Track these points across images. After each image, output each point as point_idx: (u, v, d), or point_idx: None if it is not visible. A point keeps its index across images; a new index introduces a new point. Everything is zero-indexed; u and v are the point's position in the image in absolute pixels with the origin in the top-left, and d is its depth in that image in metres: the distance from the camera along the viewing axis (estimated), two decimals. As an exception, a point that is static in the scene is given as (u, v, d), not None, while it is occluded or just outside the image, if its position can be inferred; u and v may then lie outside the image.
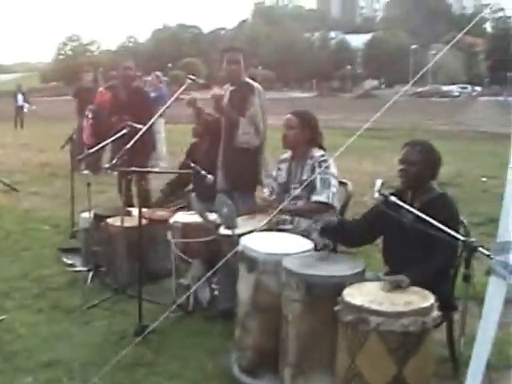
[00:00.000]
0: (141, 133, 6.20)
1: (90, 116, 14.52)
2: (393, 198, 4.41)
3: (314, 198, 5.57)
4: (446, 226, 4.00)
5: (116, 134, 7.07)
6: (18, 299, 6.49)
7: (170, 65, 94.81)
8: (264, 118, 6.48)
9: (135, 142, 6.02)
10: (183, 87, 6.13)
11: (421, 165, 4.70)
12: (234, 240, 5.07)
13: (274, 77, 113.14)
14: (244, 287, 4.76)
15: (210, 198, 5.83)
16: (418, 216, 4.22)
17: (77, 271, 7.30)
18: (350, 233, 5.12)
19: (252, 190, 6.32)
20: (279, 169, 6.05)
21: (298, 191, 5.54)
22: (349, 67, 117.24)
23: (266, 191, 6.10)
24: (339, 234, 5.19)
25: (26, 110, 30.28)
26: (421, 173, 4.71)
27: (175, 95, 6.14)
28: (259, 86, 6.58)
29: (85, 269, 7.17)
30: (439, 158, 4.83)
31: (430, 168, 4.75)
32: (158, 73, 16.42)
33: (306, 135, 5.83)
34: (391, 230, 4.77)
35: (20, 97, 30.64)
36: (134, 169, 6.01)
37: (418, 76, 5.40)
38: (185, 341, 5.46)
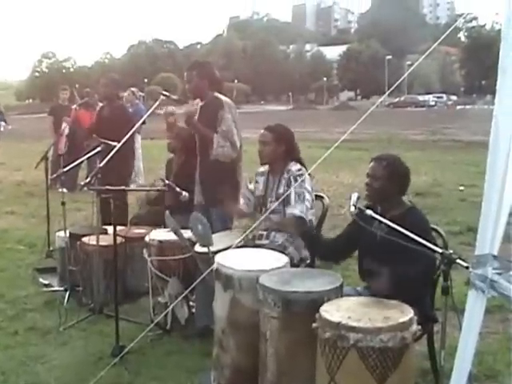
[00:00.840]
0: (115, 149, 6.13)
1: (65, 132, 14.49)
2: (369, 212, 4.37)
3: (289, 211, 5.54)
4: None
5: (90, 151, 7.00)
6: (-6, 321, 6.40)
7: (146, 80, 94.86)
8: (238, 133, 6.41)
9: (113, 159, 5.97)
10: (156, 103, 6.10)
11: (385, 180, 4.67)
12: (209, 257, 5.03)
13: (250, 90, 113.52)
14: (220, 305, 4.71)
15: (187, 215, 5.77)
16: (393, 229, 4.18)
17: (53, 291, 7.21)
18: (329, 246, 5.10)
19: (229, 204, 6.26)
20: (257, 181, 6.03)
21: (274, 205, 5.50)
22: (325, 79, 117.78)
23: (242, 202, 6.07)
24: (317, 247, 5.17)
25: (2, 128, 29.76)
26: (385, 188, 4.67)
27: (149, 112, 6.11)
28: (229, 101, 6.51)
29: (61, 289, 7.09)
30: (406, 174, 4.79)
31: (395, 183, 4.70)
32: (133, 89, 16.38)
33: (281, 149, 5.81)
34: (366, 244, 4.74)
35: None
36: (108, 187, 5.92)
37: (394, 86, 5.41)
38: (163, 360, 5.40)
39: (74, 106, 14.66)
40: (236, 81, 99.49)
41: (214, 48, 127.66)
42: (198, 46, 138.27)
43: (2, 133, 29.30)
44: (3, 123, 29.35)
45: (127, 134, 6.53)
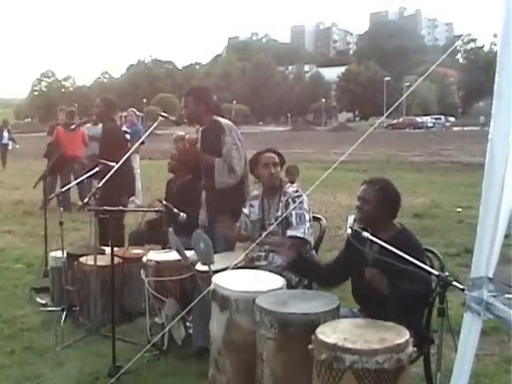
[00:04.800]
0: (113, 170, 6.15)
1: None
2: (365, 234, 4.38)
3: (291, 233, 5.57)
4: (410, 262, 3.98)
5: (89, 171, 7.03)
6: (-10, 341, 6.38)
7: (144, 100, 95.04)
8: (241, 153, 6.43)
9: (112, 179, 5.99)
10: (155, 124, 6.13)
11: (376, 203, 4.69)
12: (210, 276, 5.03)
13: (249, 111, 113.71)
14: (217, 325, 4.72)
15: (186, 235, 5.78)
16: (388, 251, 4.18)
17: (50, 311, 7.19)
18: (326, 271, 5.10)
19: (232, 226, 6.27)
20: (251, 205, 6.05)
21: (273, 227, 5.52)
22: (323, 100, 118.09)
23: (238, 225, 6.08)
24: (314, 273, 5.18)
25: (10, 147, 29.38)
26: (376, 211, 4.69)
27: (147, 132, 6.13)
28: (229, 123, 6.54)
29: (58, 309, 7.06)
30: (398, 198, 4.80)
31: (386, 207, 4.72)
32: (133, 109, 16.42)
33: (280, 172, 5.92)
34: (360, 266, 4.74)
35: (5, 134, 29.36)
36: (106, 208, 5.93)
37: (393, 108, 5.43)
38: (159, 381, 5.37)
39: (58, 127, 14.81)
40: (235, 102, 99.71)
41: (212, 68, 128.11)
42: (197, 67, 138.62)
43: (10, 151, 29.10)
44: (11, 142, 29.18)
45: (121, 153, 6.55)
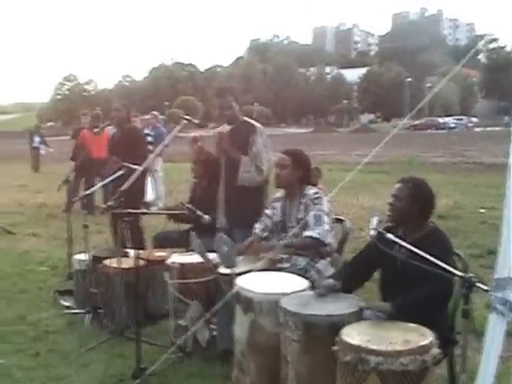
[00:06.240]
0: (138, 173, 6.17)
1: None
2: (389, 236, 4.37)
3: (306, 233, 5.56)
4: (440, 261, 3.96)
5: (112, 174, 7.06)
6: (14, 343, 6.41)
7: (166, 103, 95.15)
8: (268, 156, 6.49)
9: (133, 182, 6.01)
10: (178, 127, 6.13)
11: (408, 201, 4.67)
12: (233, 279, 5.04)
13: (270, 113, 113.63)
14: (240, 328, 4.73)
15: (209, 237, 5.79)
16: (413, 253, 4.17)
17: (74, 313, 7.23)
18: (347, 279, 5.07)
19: (251, 227, 6.28)
20: (273, 207, 6.05)
21: (295, 230, 5.53)
22: (345, 101, 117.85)
23: (258, 227, 6.07)
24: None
25: (43, 151, 29.44)
26: (407, 209, 4.67)
27: (170, 136, 6.15)
28: (260, 125, 6.63)
29: (82, 311, 7.09)
30: (431, 198, 4.76)
31: (418, 206, 4.68)
32: (155, 112, 16.47)
33: (298, 174, 5.87)
34: (386, 268, 4.74)
35: (37, 138, 29.55)
36: (130, 211, 5.96)
37: (417, 108, 5.42)
38: (184, 383, 5.38)
39: (84, 130, 14.88)
40: (256, 104, 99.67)
41: (234, 71, 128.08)
42: (218, 69, 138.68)
43: (43, 156, 29.20)
44: (43, 146, 29.28)
45: (140, 155, 6.55)
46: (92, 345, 6.19)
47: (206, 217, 6.10)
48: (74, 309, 7.38)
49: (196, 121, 6.61)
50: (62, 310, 7.43)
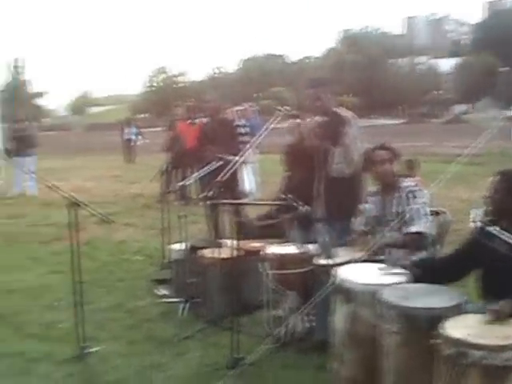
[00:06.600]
0: (238, 164, 6.21)
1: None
2: (491, 228, 4.27)
3: (408, 229, 5.49)
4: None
5: (207, 165, 7.11)
6: (112, 330, 6.56)
7: (259, 94, 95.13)
8: (358, 147, 6.42)
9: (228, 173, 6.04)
10: (273, 118, 6.12)
11: (504, 193, 4.55)
12: (331, 270, 5.02)
13: (361, 104, 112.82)
14: (340, 319, 4.72)
15: (308, 229, 5.79)
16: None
17: (170, 302, 7.32)
18: (442, 271, 4.97)
19: (349, 218, 6.24)
20: (370, 202, 5.99)
21: (394, 223, 5.47)
22: (437, 92, 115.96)
23: (359, 221, 6.03)
24: (429, 274, 5.03)
25: (139, 143, 29.73)
26: (504, 201, 4.56)
27: (266, 126, 6.14)
28: (350, 116, 6.55)
29: (177, 300, 7.17)
30: None
31: None
32: (250, 103, 16.50)
33: (395, 168, 5.80)
34: (488, 262, 4.62)
35: (131, 130, 30.05)
36: (228, 201, 6.00)
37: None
38: (279, 373, 5.37)
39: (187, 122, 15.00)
40: (347, 95, 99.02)
41: (324, 62, 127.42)
42: (308, 60, 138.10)
43: (138, 147, 29.60)
44: (140, 137, 29.70)
45: (232, 146, 6.56)
46: (187, 334, 6.26)
47: (306, 207, 6.07)
48: (170, 298, 7.47)
49: (290, 111, 6.60)
50: (157, 299, 7.56)
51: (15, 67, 75.59)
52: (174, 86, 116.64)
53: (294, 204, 6.05)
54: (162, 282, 7.99)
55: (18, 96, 65.64)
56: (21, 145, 17.47)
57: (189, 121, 14.53)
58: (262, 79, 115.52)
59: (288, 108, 6.26)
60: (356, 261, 5.21)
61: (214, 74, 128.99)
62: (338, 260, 5.25)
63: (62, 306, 7.17)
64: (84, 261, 6.09)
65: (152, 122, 75.03)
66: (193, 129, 14.06)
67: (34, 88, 78.51)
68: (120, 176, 22.39)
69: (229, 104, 16.27)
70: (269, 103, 59.71)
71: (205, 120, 12.42)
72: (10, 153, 17.43)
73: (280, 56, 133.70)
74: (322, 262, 5.42)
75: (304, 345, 5.80)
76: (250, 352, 5.32)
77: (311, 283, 5.68)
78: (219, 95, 9.52)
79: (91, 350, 5.88)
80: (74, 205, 5.71)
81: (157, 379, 5.40)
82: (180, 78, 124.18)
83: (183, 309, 6.93)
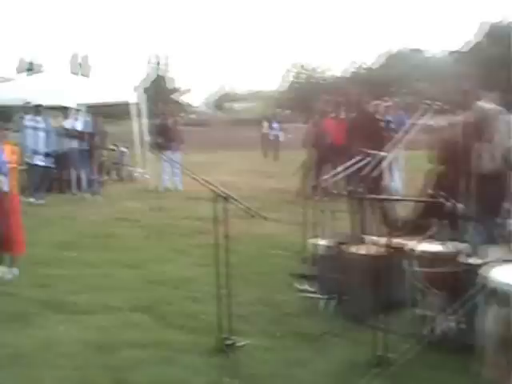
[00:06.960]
0: (389, 160, 6.14)
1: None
2: None
3: None
4: None
5: (353, 160, 7.06)
6: (255, 324, 6.60)
7: (399, 90, 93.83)
8: (506, 142, 6.21)
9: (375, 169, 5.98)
10: (421, 113, 6.01)
11: None
12: (481, 270, 4.86)
13: (508, 99, 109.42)
14: (493, 322, 4.58)
15: (455, 226, 5.63)
16: None
17: (312, 298, 7.28)
18: None
19: (497, 217, 6.04)
20: None
21: None
22: None
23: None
24: None
25: (281, 138, 30.07)
26: None
27: (412, 122, 6.04)
28: (499, 110, 6.34)
29: (325, 296, 7.11)
30: None
31: None
32: (396, 99, 16.32)
33: None
34: None
35: (274, 125, 30.46)
36: (375, 196, 5.91)
37: None
38: (427, 374, 5.24)
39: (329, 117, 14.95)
40: (495, 90, 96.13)
41: (464, 56, 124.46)
42: (450, 54, 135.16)
43: (281, 143, 29.76)
44: (282, 133, 29.87)
45: (377, 141, 6.47)
46: (331, 330, 6.23)
47: (458, 205, 5.92)
48: (313, 293, 7.43)
49: (437, 106, 6.47)
50: (299, 294, 7.54)
51: (159, 64, 77.44)
52: (315, 81, 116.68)
53: (444, 201, 5.91)
54: (303, 276, 7.96)
55: (163, 93, 67.23)
56: (168, 140, 17.95)
57: (334, 116, 14.48)
58: (406, 74, 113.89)
59: (438, 103, 6.13)
60: (505, 261, 5.00)
61: (357, 69, 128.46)
62: (489, 260, 5.07)
63: (205, 298, 7.25)
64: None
65: (293, 117, 75.39)
66: (338, 124, 14.02)
67: (177, 85, 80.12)
68: (260, 171, 22.51)
69: (373, 100, 16.14)
70: (413, 99, 58.84)
71: (350, 116, 12.40)
72: (160, 148, 17.87)
73: (423, 50, 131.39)
74: (474, 261, 5.25)
75: (452, 346, 5.60)
76: (394, 350, 5.21)
77: (461, 283, 5.51)
78: (364, 91, 9.45)
79: (238, 344, 5.88)
80: (222, 199, 5.76)
81: (298, 375, 5.38)
82: (324, 75, 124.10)
83: (331, 305, 6.90)
